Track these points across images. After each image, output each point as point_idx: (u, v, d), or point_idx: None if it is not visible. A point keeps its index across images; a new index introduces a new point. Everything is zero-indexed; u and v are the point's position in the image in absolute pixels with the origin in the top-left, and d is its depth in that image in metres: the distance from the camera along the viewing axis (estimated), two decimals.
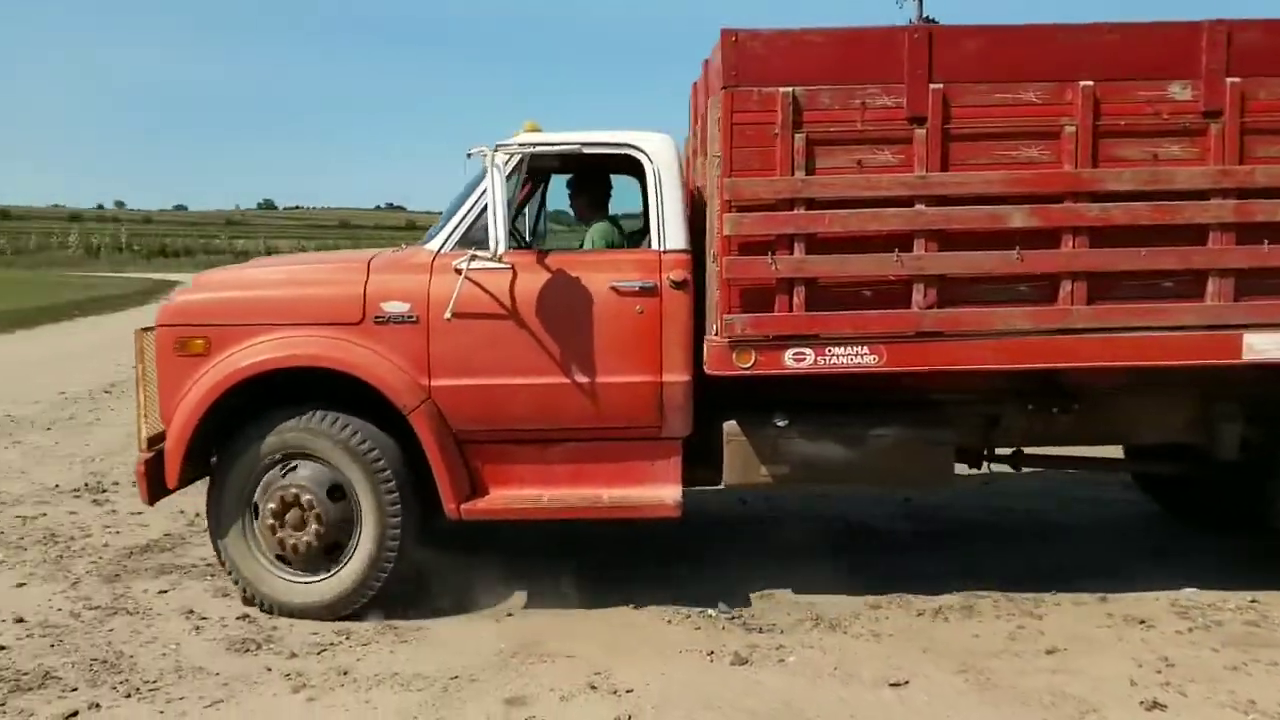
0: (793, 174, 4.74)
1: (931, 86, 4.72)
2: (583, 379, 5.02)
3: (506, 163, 4.95)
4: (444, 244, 5.06)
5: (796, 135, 4.72)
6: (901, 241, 4.76)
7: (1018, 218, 4.70)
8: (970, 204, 4.73)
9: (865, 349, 4.82)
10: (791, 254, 4.76)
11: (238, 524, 4.92)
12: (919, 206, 4.73)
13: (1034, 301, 4.79)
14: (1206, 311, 4.73)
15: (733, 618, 4.84)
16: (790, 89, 4.72)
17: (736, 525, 6.25)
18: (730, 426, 5.01)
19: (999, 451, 5.49)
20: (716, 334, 4.80)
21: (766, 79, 4.75)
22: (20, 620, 4.68)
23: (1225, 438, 5.18)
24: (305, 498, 4.80)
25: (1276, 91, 4.69)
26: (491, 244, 4.78)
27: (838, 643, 4.55)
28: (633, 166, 5.16)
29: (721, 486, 5.11)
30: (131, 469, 5.42)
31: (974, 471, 5.56)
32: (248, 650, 4.39)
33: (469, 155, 4.95)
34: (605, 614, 4.91)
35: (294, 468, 4.88)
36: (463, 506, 4.97)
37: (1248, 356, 4.73)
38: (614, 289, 4.99)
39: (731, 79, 4.74)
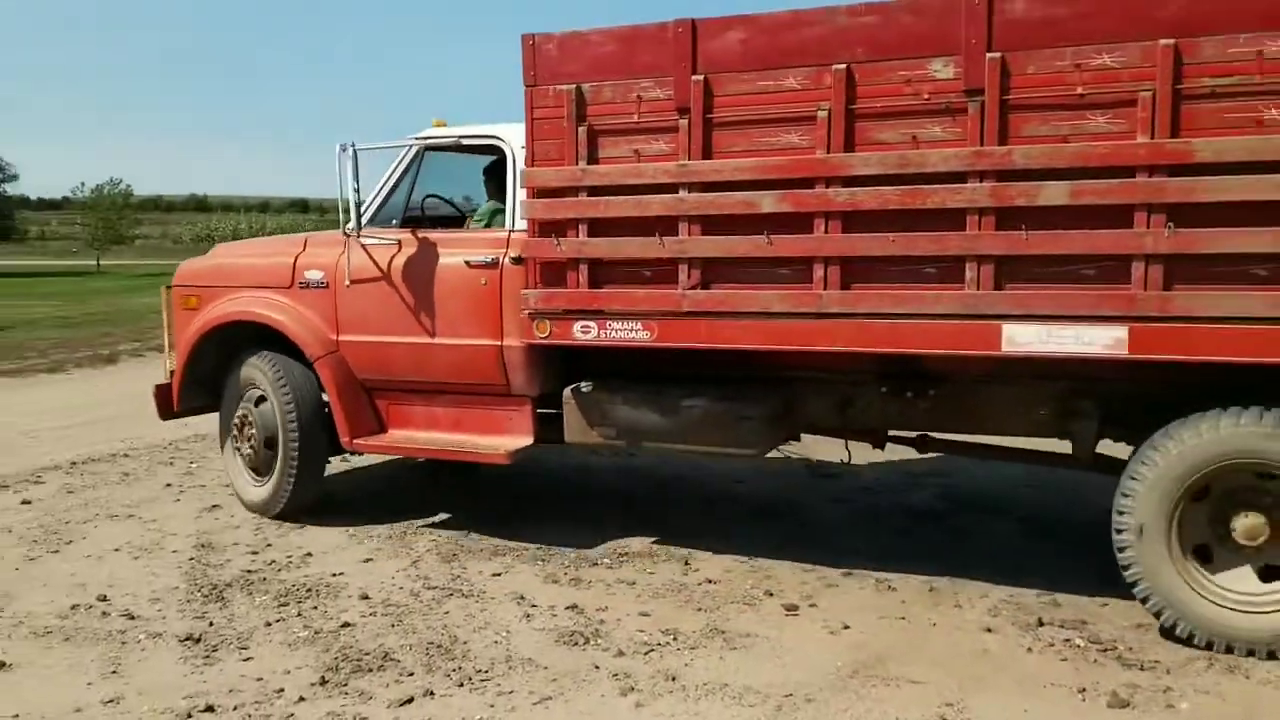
0: (576, 164, 5.30)
1: (694, 78, 5.01)
2: (443, 340, 5.96)
3: (407, 153, 6.23)
4: (356, 223, 6.12)
5: (580, 128, 5.28)
6: (668, 226, 5.14)
7: (768, 203, 4.89)
8: (727, 190, 4.99)
9: (639, 325, 5.29)
10: (576, 236, 5.35)
11: (229, 443, 6.68)
12: (681, 193, 5.08)
13: (789, 284, 4.95)
14: (964, 300, 4.61)
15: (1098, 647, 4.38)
16: (575, 85, 5.26)
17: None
18: (568, 392, 5.68)
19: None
20: (523, 307, 5.52)
21: (559, 77, 5.31)
22: (365, 597, 5.05)
23: (1080, 438, 5.10)
24: (250, 418, 6.42)
25: (1046, 65, 4.44)
26: (343, 221, 6.12)
27: (1240, 690, 4.00)
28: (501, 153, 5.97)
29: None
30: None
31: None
32: (576, 644, 4.51)
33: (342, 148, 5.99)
34: (953, 634, 4.61)
35: (261, 399, 6.42)
36: (354, 441, 6.22)
37: (1007, 349, 4.58)
38: (467, 263, 5.86)
39: (530, 79, 5.37)
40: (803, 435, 6.09)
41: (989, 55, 4.48)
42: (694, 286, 5.13)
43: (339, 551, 5.83)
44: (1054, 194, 4.41)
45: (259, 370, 6.39)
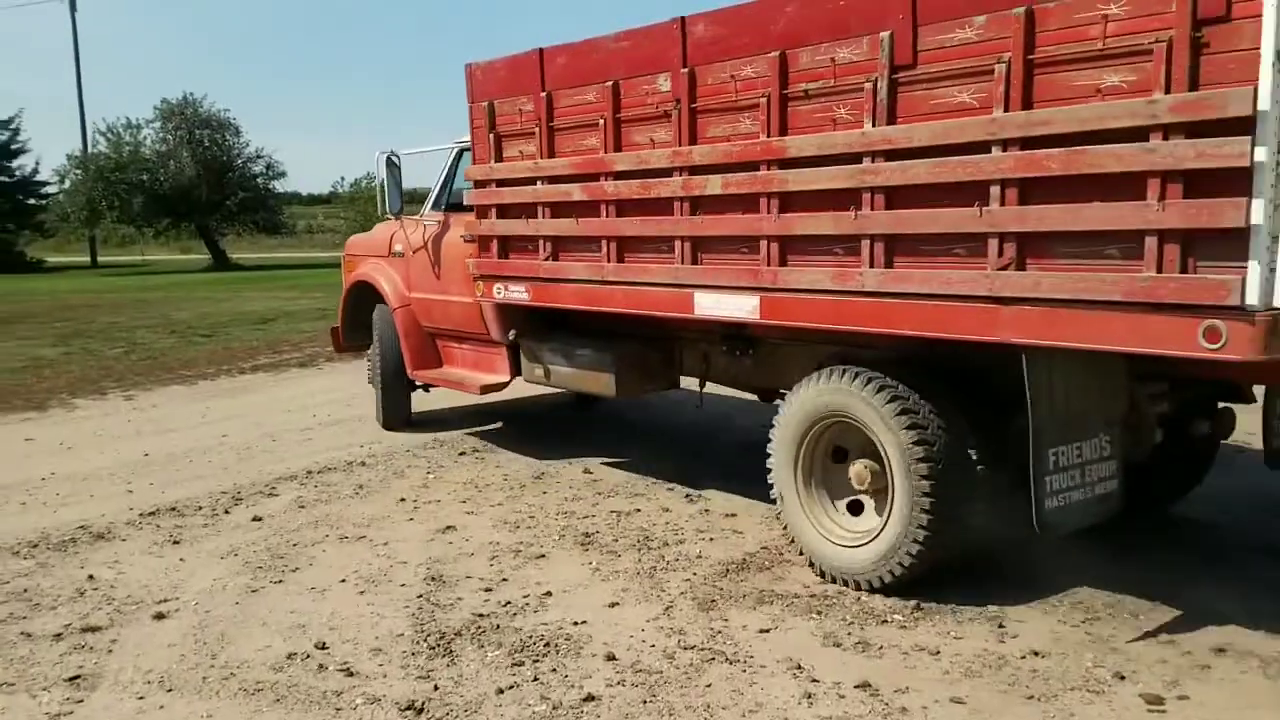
0: (489, 162, 6.95)
1: (540, 94, 6.44)
2: (454, 298, 7.83)
3: (450, 153, 8.13)
4: (425, 210, 8.38)
5: (491, 134, 6.90)
6: (531, 210, 6.67)
7: (575, 193, 6.27)
8: (560, 183, 6.39)
9: (523, 287, 6.84)
10: (490, 219, 7.03)
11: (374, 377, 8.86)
12: (538, 184, 6.58)
13: (591, 257, 6.28)
14: (673, 273, 5.71)
15: None
16: (489, 101, 6.89)
17: None
18: (510, 340, 7.44)
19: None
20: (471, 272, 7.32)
21: (481, 96, 6.97)
22: (611, 658, 4.28)
23: None
24: (371, 353, 8.87)
25: (716, 77, 5.34)
26: (387, 208, 8.48)
27: None
28: None
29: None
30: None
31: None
32: None
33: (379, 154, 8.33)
34: None
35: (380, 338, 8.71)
36: (413, 371, 8.39)
37: (698, 313, 5.63)
38: (463, 238, 7.53)
39: (469, 98, 7.07)
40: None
41: (683, 70, 5.52)
42: (546, 258, 6.62)
43: (581, 591, 5.06)
44: (713, 186, 5.42)
45: (375, 317, 8.65)
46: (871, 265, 4.73)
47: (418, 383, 8.52)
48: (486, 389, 7.67)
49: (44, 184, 48.75)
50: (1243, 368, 4.02)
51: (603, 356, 6.75)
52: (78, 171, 43.30)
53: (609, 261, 6.11)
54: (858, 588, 4.98)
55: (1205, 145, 3.64)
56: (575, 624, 4.65)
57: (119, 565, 5.60)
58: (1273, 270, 3.61)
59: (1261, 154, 3.52)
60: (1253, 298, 3.60)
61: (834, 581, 5.07)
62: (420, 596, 5.02)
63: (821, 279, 4.93)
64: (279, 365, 13.20)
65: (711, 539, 5.83)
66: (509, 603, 4.91)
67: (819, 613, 4.72)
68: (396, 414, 8.72)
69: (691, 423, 8.76)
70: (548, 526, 6.08)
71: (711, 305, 5.52)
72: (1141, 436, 5.00)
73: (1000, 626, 4.51)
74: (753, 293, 5.26)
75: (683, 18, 5.48)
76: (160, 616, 4.86)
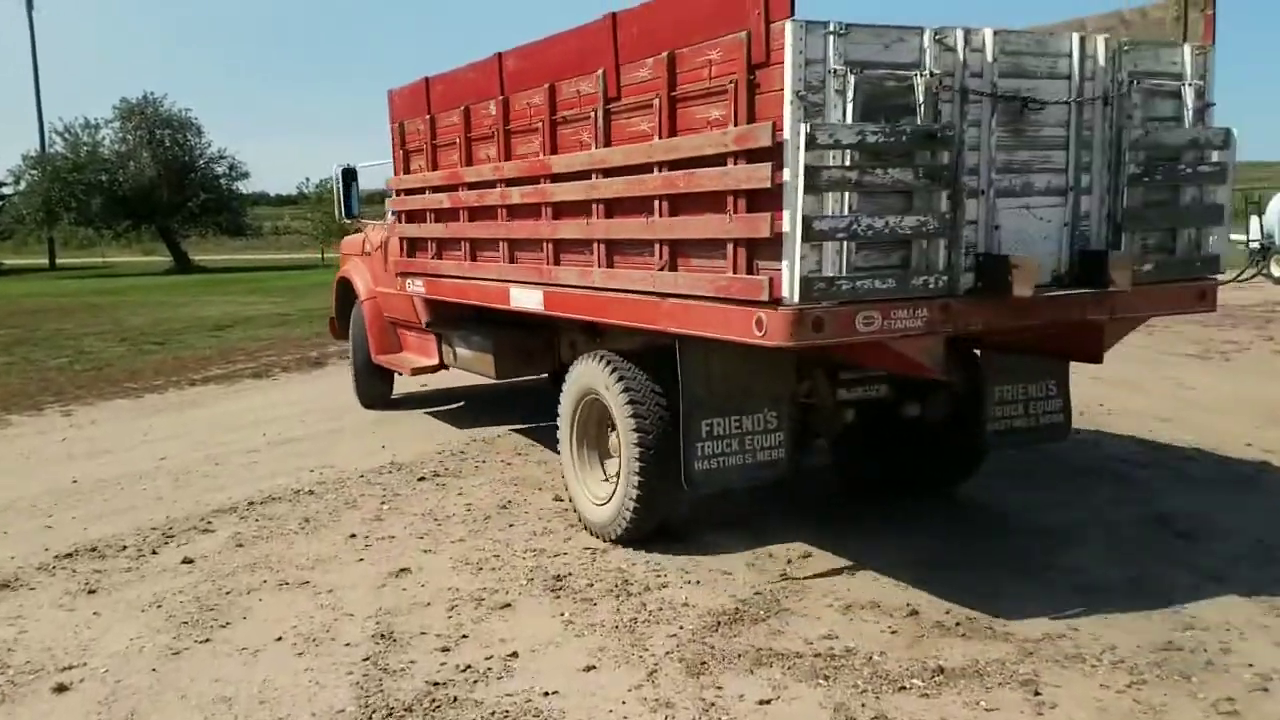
0: (400, 174, 8.27)
1: (426, 116, 7.62)
2: (393, 290, 8.76)
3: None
4: (344, 215, 10.56)
5: (401, 150, 8.21)
6: (421, 216, 7.98)
7: (445, 201, 7.50)
8: (438, 192, 7.63)
9: (421, 282, 8.03)
10: (401, 222, 8.36)
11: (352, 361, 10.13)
12: (426, 194, 7.81)
13: (457, 257, 7.45)
14: (497, 269, 6.85)
15: None
16: (400, 122, 8.17)
17: None
18: (437, 329, 8.49)
19: None
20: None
21: (396, 117, 8.26)
22: None
23: None
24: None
25: (519, 103, 6.39)
26: (342, 214, 10.72)
27: None
28: None
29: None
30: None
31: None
32: None
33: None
34: None
35: None
36: (375, 356, 9.48)
37: (512, 305, 6.65)
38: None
39: (390, 118, 8.33)
40: None
41: (500, 97, 6.53)
42: (433, 257, 7.73)
43: (552, 651, 4.41)
44: (515, 196, 6.44)
45: (354, 309, 9.86)
46: (598, 265, 5.73)
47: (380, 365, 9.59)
48: (416, 371, 8.96)
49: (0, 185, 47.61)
50: (898, 359, 4.81)
51: (486, 342, 7.77)
52: (34, 172, 42.26)
53: (465, 260, 7.27)
54: (604, 540, 5.84)
55: (751, 169, 4.52)
56: (545, 694, 4.00)
57: (21, 622, 4.90)
58: (815, 270, 4.35)
59: (786, 175, 4.29)
60: (785, 293, 4.39)
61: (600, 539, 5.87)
62: (367, 659, 4.36)
63: (573, 276, 5.96)
64: (231, 376, 12.48)
65: (698, 581, 5.20)
66: (468, 667, 4.26)
67: (826, 677, 4.10)
68: (370, 394, 9.93)
69: None
70: (514, 567, 5.43)
71: (519, 298, 6.57)
72: (828, 415, 5.93)
73: (1036, 694, 3.92)
74: (539, 288, 6.32)
75: (499, 53, 6.58)
76: (61, 689, 4.19)
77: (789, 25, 4.25)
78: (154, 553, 5.79)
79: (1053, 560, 5.38)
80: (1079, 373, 11.30)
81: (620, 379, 5.55)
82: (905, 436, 6.28)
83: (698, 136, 4.82)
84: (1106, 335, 5.46)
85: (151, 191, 40.79)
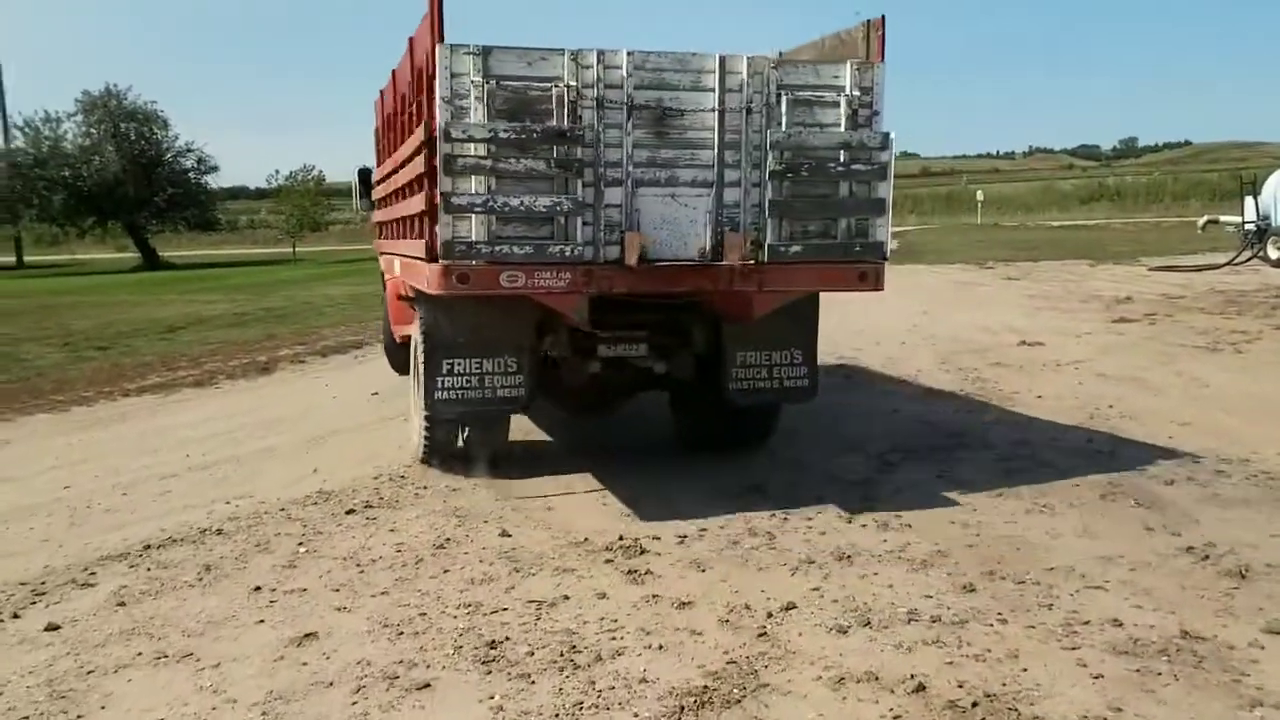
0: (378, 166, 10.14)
1: (380, 117, 9.70)
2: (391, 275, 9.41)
3: None
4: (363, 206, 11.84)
5: (377, 147, 10.13)
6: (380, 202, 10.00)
7: (382, 189, 9.57)
8: (377, 184, 10.10)
9: (384, 262, 10.09)
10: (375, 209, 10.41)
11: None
12: (377, 185, 10.13)
13: (385, 237, 9.76)
14: (391, 245, 9.01)
15: None
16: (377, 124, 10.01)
17: None
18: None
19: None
20: None
21: (379, 117, 9.78)
22: None
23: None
24: None
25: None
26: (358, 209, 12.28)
27: None
28: None
29: None
30: None
31: None
32: None
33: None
34: None
35: None
36: (393, 328, 10.17)
37: (391, 274, 9.35)
38: None
39: (376, 120, 10.14)
40: None
41: (389, 109, 8.83)
42: (380, 238, 9.77)
43: None
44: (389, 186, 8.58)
45: None
46: (403, 237, 7.51)
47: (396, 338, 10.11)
48: (403, 338, 9.07)
49: None
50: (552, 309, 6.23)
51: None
52: None
53: (387, 239, 8.76)
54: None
55: (422, 158, 6.16)
56: None
57: None
58: (459, 236, 5.71)
59: (437, 162, 5.72)
60: (439, 254, 5.76)
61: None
62: None
63: (402, 247, 7.57)
64: (170, 385, 11.53)
65: (661, 645, 4.32)
66: None
67: None
68: (397, 363, 10.55)
69: (664, 447, 7.32)
70: (442, 630, 4.54)
71: (395, 267, 8.27)
72: (575, 366, 6.95)
73: None
74: (396, 258, 8.00)
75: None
76: None
77: (439, 48, 5.68)
78: (15, 616, 4.85)
79: (1081, 609, 4.54)
80: (1084, 372, 10.54)
81: (418, 325, 6.85)
82: (703, 402, 7.39)
83: (411, 137, 6.67)
84: (756, 304, 6.35)
85: (116, 187, 39.61)
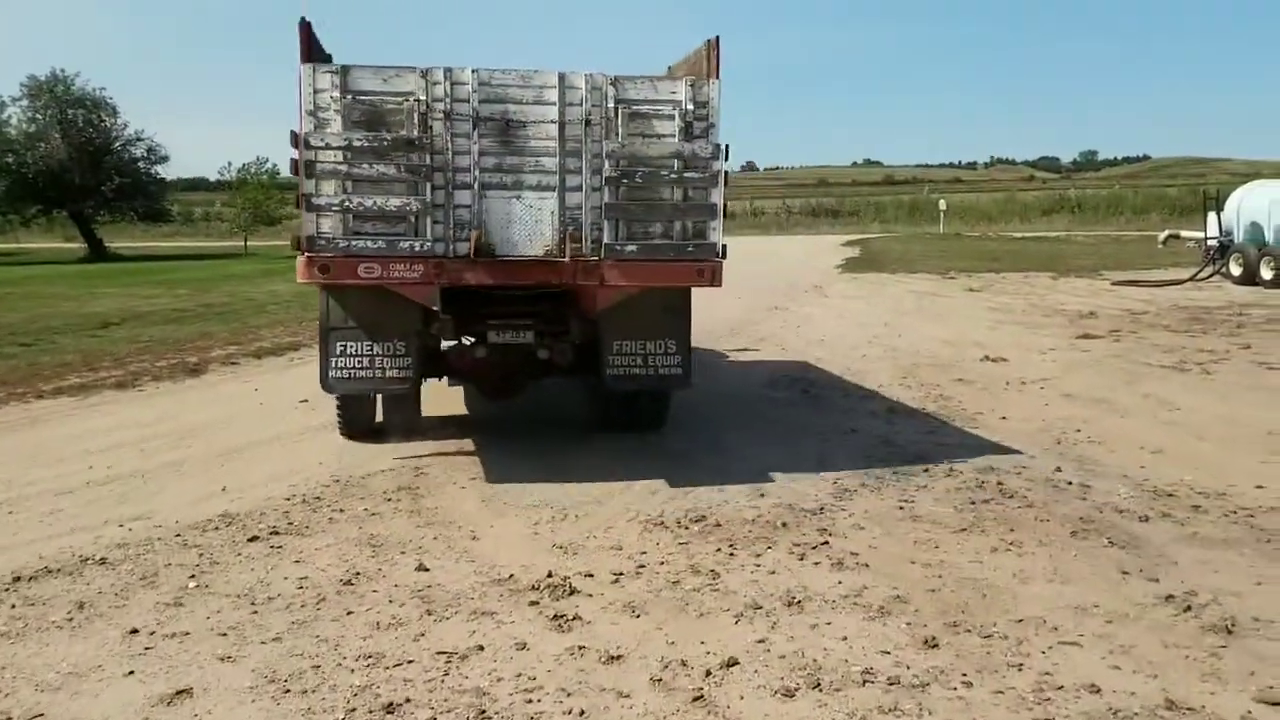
0: None
1: None
2: None
3: None
4: None
5: None
6: None
7: None
8: None
9: None
10: None
11: None
12: None
13: None
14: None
15: None
16: None
17: None
18: None
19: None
20: None
21: None
22: None
23: None
24: None
25: None
26: None
27: None
28: None
29: None
30: None
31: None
32: None
33: None
34: None
35: None
36: None
37: None
38: None
39: None
40: None
41: None
42: None
43: None
44: None
45: None
46: None
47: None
48: None
49: None
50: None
51: None
52: None
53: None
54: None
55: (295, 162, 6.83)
56: None
57: None
58: (320, 232, 6.55)
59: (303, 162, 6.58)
60: (303, 246, 6.57)
61: None
62: None
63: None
64: (90, 387, 10.83)
65: (582, 711, 3.79)
66: None
67: None
68: None
69: (607, 458, 6.79)
70: (335, 687, 3.98)
71: None
72: (460, 350, 7.62)
73: None
74: None
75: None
76: None
77: (302, 67, 6.52)
78: None
79: (1054, 670, 4.06)
80: (1049, 391, 10.14)
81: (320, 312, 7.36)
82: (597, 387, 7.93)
83: None
84: (599, 298, 7.02)
85: (62, 174, 38.48)
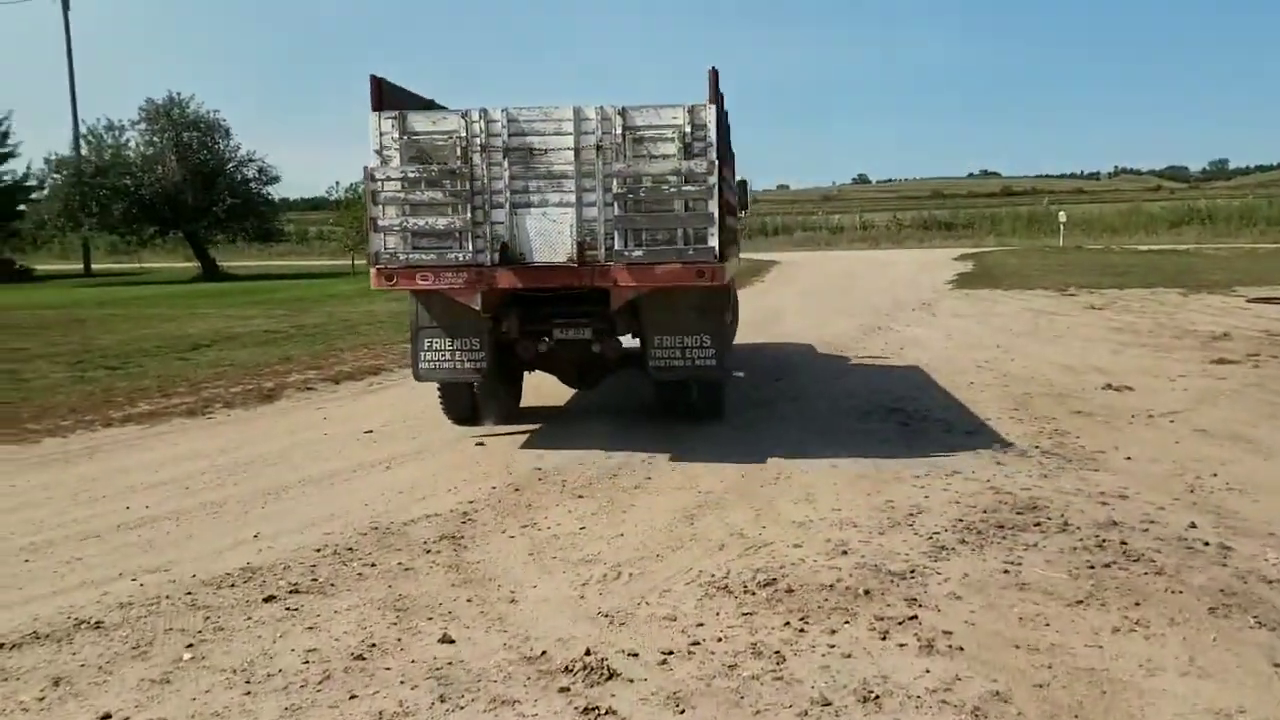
0: None
1: None
2: None
3: None
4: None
5: None
6: None
7: None
8: None
9: None
10: None
11: None
12: None
13: None
14: None
15: None
16: None
17: None
18: None
19: None
20: None
21: None
22: None
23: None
24: None
25: None
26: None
27: None
28: None
29: None
30: None
31: None
32: None
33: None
34: None
35: None
36: None
37: None
38: None
39: None
40: None
41: None
42: None
43: None
44: None
45: None
46: None
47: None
48: None
49: (33, 189, 46.55)
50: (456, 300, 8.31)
51: None
52: (56, 175, 41.07)
53: None
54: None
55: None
56: None
57: None
58: (385, 249, 8.09)
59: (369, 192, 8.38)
60: (372, 260, 8.21)
61: None
62: None
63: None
64: (159, 414, 10.55)
65: None
66: None
67: None
68: None
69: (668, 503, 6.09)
70: None
71: None
72: (526, 346, 8.78)
73: None
74: None
75: None
76: None
77: (371, 116, 7.98)
78: None
79: None
80: (1181, 426, 9.05)
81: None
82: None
83: None
84: (614, 297, 8.15)
85: (176, 196, 39.35)
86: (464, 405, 9.33)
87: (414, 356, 8.63)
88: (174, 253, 49.84)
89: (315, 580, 5.42)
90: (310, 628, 4.80)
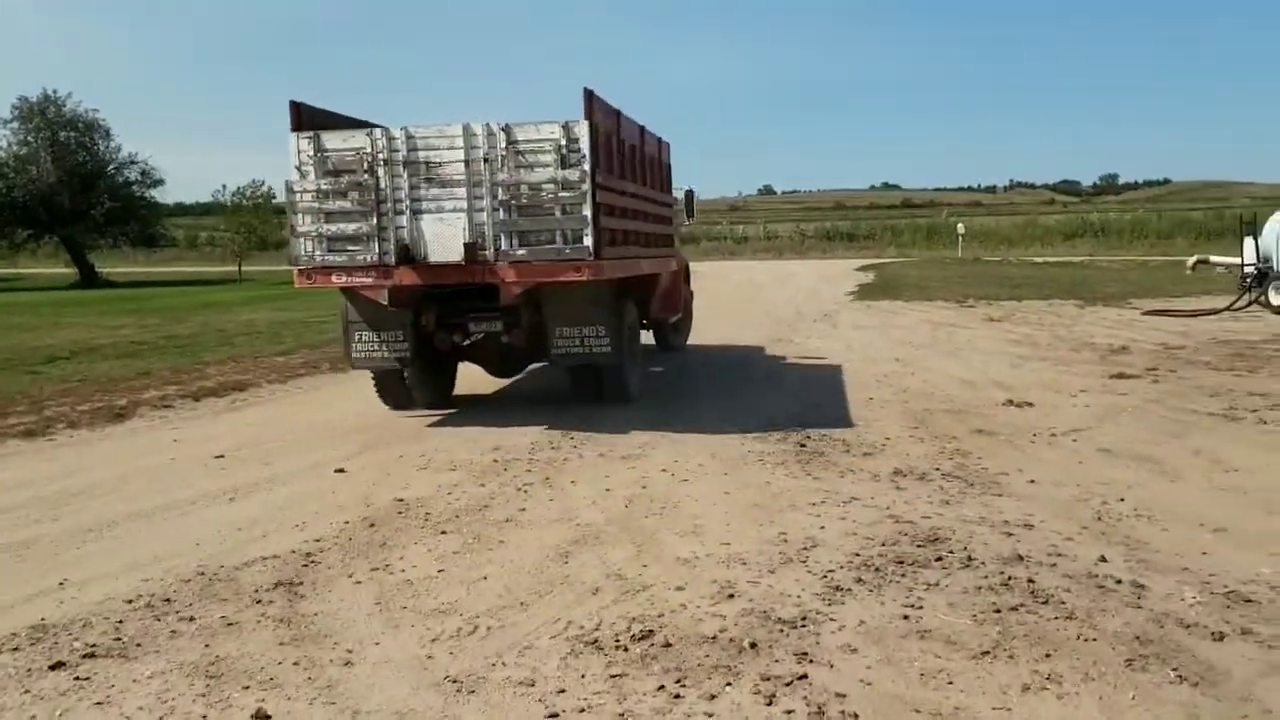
0: None
1: None
2: None
3: None
4: None
5: None
6: None
7: None
8: None
9: None
10: None
11: None
12: None
13: None
14: None
15: None
16: None
17: None
18: None
19: None
20: None
21: None
22: None
23: None
24: None
25: None
26: None
27: None
28: None
29: None
30: None
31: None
32: None
33: None
34: None
35: None
36: None
37: None
38: None
39: None
40: None
41: None
42: None
43: None
44: None
45: None
46: None
47: None
48: None
49: None
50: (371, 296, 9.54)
51: None
52: None
53: None
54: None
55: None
56: None
57: None
58: (304, 252, 9.23)
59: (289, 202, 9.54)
60: (296, 261, 9.32)
61: None
62: None
63: None
64: None
65: None
66: None
67: None
68: None
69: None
70: None
71: None
72: (442, 337, 10.07)
73: None
74: None
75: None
76: None
77: (290, 136, 9.20)
78: None
79: None
80: (1084, 445, 8.69)
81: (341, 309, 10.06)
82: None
83: None
84: (502, 292, 9.36)
85: (51, 198, 37.48)
86: (398, 392, 10.48)
87: (346, 347, 9.91)
88: (54, 258, 47.61)
89: (118, 640, 4.65)
90: (99, 703, 4.04)
